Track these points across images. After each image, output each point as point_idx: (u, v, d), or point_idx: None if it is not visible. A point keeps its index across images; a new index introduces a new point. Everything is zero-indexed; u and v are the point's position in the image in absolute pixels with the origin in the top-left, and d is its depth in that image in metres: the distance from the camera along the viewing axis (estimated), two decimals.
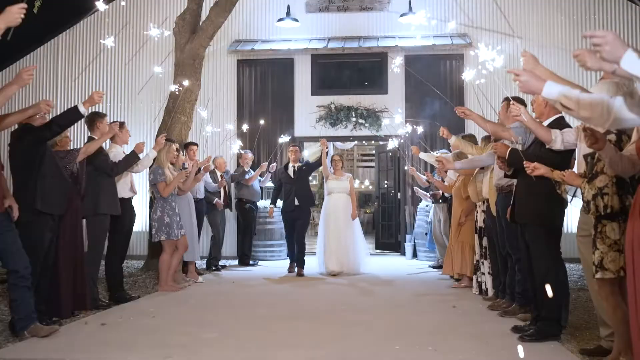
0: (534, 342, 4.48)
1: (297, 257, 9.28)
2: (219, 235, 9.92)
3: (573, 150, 4.56)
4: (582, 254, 4.32)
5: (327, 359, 4.21)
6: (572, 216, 8.37)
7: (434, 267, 9.63)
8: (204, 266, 9.98)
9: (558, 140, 4.49)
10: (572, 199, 4.78)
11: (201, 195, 9.21)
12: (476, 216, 6.90)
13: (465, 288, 7.41)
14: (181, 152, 8.55)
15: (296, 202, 9.29)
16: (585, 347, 4.32)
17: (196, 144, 9.33)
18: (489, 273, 6.70)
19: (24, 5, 3.78)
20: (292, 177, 9.46)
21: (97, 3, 5.00)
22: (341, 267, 9.04)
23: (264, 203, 10.87)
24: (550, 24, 11.54)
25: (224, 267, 10.02)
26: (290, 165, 9.63)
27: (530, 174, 4.44)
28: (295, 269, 9.26)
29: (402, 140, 10.71)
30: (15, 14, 3.57)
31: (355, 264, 9.23)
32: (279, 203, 9.92)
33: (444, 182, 8.58)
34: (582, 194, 3.90)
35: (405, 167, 10.99)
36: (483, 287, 6.84)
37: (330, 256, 9.12)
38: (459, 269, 7.59)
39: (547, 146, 4.55)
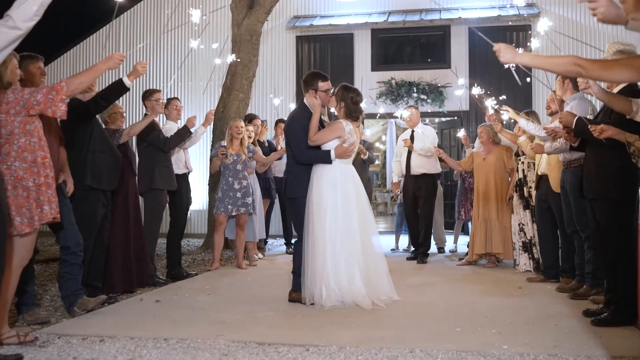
0: (608, 327, 4.16)
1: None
2: None
3: None
4: None
5: (385, 338, 4.02)
6: None
7: None
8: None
9: None
10: None
11: (280, 174, 8.85)
12: (528, 192, 6.72)
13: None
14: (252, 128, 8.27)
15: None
16: None
17: (284, 121, 9.16)
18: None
19: (123, 55, 4.37)
20: None
21: None
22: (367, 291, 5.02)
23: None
24: None
25: None
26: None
27: (597, 137, 4.13)
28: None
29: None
30: (117, 61, 4.26)
31: (383, 285, 5.23)
32: None
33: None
34: None
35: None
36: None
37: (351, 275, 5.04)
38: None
39: (627, 117, 4.18)
